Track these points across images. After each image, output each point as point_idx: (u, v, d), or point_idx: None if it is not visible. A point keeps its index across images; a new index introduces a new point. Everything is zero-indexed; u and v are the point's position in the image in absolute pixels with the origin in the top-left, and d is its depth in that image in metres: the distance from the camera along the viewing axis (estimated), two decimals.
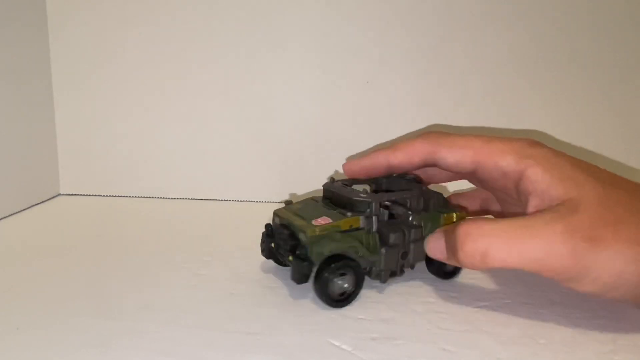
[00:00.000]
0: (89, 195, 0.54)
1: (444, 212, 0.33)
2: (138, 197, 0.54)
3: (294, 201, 0.35)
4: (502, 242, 0.26)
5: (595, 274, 0.25)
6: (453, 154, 0.31)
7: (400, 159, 0.33)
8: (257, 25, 0.50)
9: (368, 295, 0.32)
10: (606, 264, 0.25)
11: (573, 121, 0.51)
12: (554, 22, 0.49)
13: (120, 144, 0.53)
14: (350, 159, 0.38)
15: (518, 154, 0.29)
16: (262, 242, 0.34)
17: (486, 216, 0.38)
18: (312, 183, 0.52)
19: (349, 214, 0.31)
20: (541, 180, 0.28)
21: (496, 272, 0.35)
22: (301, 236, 0.30)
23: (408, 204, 0.33)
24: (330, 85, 0.51)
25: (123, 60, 0.52)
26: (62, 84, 0.52)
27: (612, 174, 0.29)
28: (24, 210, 0.48)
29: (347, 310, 0.30)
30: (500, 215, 0.37)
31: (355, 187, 0.34)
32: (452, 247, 0.28)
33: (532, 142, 0.30)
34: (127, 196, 0.54)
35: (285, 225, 0.32)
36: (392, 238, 0.31)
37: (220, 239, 0.42)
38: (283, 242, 0.31)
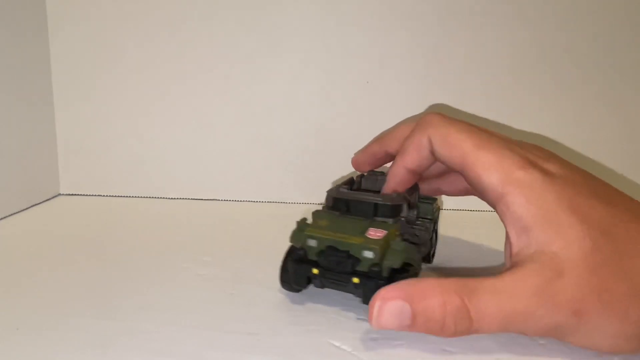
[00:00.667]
0: (89, 195, 0.54)
1: (429, 201, 0.34)
2: (138, 197, 0.54)
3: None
4: (495, 321, 0.24)
5: (572, 340, 0.24)
6: (443, 151, 0.29)
7: (413, 160, 0.31)
8: (257, 25, 0.50)
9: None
10: (585, 335, 0.24)
11: (573, 121, 0.51)
12: (554, 22, 0.49)
13: (121, 144, 0.53)
14: (358, 159, 0.38)
15: (504, 174, 0.26)
16: (291, 271, 0.30)
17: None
18: (312, 183, 0.52)
19: (378, 219, 0.30)
20: (520, 215, 0.25)
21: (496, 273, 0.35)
22: (366, 254, 0.27)
23: (410, 200, 0.32)
24: (330, 85, 0.51)
25: (123, 61, 0.52)
26: (62, 84, 0.52)
27: (608, 202, 0.26)
28: (24, 210, 0.48)
29: (347, 310, 0.30)
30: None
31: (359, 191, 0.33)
32: (432, 323, 0.24)
33: (525, 161, 0.26)
34: (127, 196, 0.54)
35: (334, 247, 0.28)
36: (423, 237, 0.32)
37: (220, 239, 0.42)
38: (338, 265, 0.28)
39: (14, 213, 0.47)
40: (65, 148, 0.54)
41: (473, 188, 0.29)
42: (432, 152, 0.30)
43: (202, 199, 0.54)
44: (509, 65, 0.50)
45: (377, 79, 0.51)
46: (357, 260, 0.28)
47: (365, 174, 0.37)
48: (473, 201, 0.34)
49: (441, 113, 0.32)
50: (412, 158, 0.31)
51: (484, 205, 0.29)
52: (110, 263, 0.36)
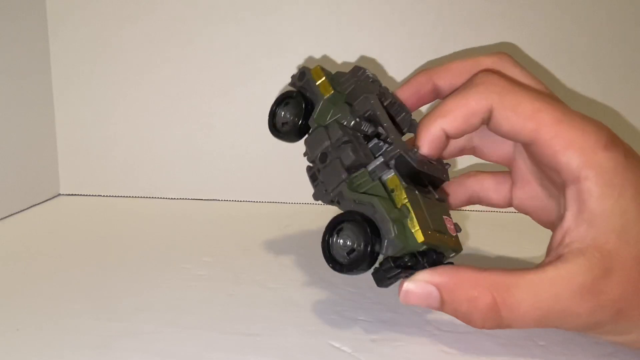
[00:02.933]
0: (89, 195, 0.54)
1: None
2: (138, 197, 0.54)
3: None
4: (529, 318, 0.23)
5: (606, 337, 0.24)
6: (512, 121, 0.25)
7: (457, 125, 0.26)
8: (257, 25, 0.50)
9: (368, 296, 0.32)
10: (621, 333, 0.24)
11: None
12: (554, 21, 0.49)
13: (120, 144, 0.53)
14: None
15: (585, 155, 0.23)
16: (386, 274, 0.25)
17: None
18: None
19: (441, 199, 0.27)
20: (589, 206, 0.23)
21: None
22: (451, 254, 0.27)
23: None
24: None
25: (123, 60, 0.52)
26: (62, 84, 0.52)
27: None
28: (24, 210, 0.48)
29: (347, 311, 0.30)
30: (499, 203, 0.32)
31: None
32: (461, 314, 0.24)
33: (609, 139, 0.24)
34: (127, 196, 0.54)
35: (433, 250, 0.25)
36: None
37: (220, 239, 0.42)
38: (430, 263, 0.25)
39: (14, 213, 0.47)
40: (65, 148, 0.54)
41: (539, 163, 0.26)
42: (488, 121, 0.26)
43: (202, 199, 0.54)
44: None
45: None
46: (443, 255, 0.26)
47: (389, 100, 0.29)
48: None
49: (503, 68, 0.28)
50: (457, 123, 0.26)
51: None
52: (110, 263, 0.36)
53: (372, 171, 0.26)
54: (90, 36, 0.51)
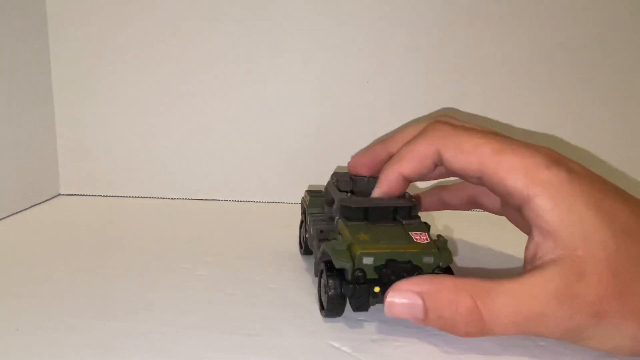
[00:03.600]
0: (89, 195, 0.54)
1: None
2: (138, 197, 0.54)
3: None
4: (510, 323, 0.23)
5: (589, 344, 0.24)
6: (459, 159, 0.28)
7: (412, 167, 0.30)
8: (257, 25, 0.50)
9: None
10: (603, 338, 0.24)
11: (574, 121, 0.51)
12: (554, 21, 0.49)
13: (120, 144, 0.53)
14: (356, 161, 0.36)
15: (528, 175, 0.25)
16: (350, 295, 0.27)
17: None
18: (312, 183, 0.52)
19: (405, 222, 0.29)
20: (547, 219, 0.24)
21: (496, 273, 0.35)
22: (427, 260, 0.27)
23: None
24: (330, 85, 0.51)
25: (123, 60, 0.52)
26: (62, 84, 0.52)
27: (629, 202, 0.26)
28: (24, 210, 0.48)
29: (346, 312, 0.30)
30: (494, 209, 0.35)
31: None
32: (444, 320, 0.24)
33: (550, 160, 0.26)
34: (127, 196, 0.54)
35: (394, 260, 0.27)
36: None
37: (220, 239, 0.42)
38: (403, 277, 0.26)
39: (14, 213, 0.47)
40: (65, 148, 0.54)
41: (496, 194, 0.28)
42: (440, 163, 0.29)
43: (202, 199, 0.54)
44: (509, 65, 0.50)
45: (377, 79, 0.51)
46: (419, 267, 0.27)
47: (351, 177, 0.35)
48: None
49: (447, 119, 0.31)
50: (411, 165, 0.30)
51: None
52: (110, 263, 0.36)
53: (334, 228, 0.31)
54: (90, 36, 0.51)
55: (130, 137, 0.53)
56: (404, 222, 0.29)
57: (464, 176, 0.29)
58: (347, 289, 0.27)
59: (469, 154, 0.27)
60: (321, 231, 0.31)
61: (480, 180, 0.28)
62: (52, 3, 0.51)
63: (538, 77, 0.50)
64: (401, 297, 0.25)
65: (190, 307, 0.30)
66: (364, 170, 0.35)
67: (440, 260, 0.27)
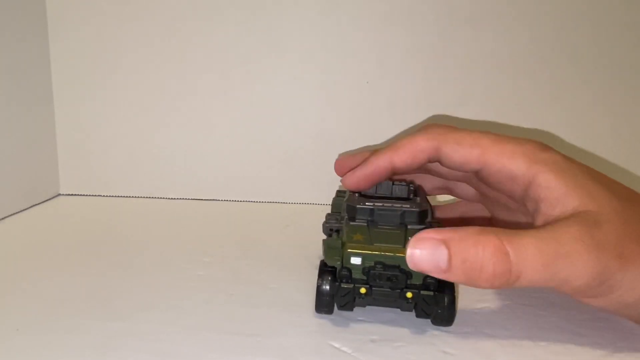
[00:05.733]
0: (89, 195, 0.54)
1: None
2: (138, 197, 0.54)
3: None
4: (537, 263, 0.23)
5: (618, 293, 0.24)
6: (459, 152, 0.29)
7: (404, 158, 0.30)
8: (257, 25, 0.50)
9: None
10: (632, 284, 0.24)
11: (574, 120, 0.51)
12: (554, 21, 0.49)
13: (121, 144, 0.53)
14: (342, 161, 0.35)
15: (529, 157, 0.27)
16: (335, 293, 0.27)
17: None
18: (312, 183, 0.52)
19: (410, 227, 0.29)
20: (554, 187, 0.26)
21: None
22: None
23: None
24: (330, 85, 0.51)
25: (123, 60, 0.52)
26: (62, 84, 0.52)
27: (625, 187, 0.28)
28: (24, 210, 0.48)
29: (346, 312, 0.30)
30: (487, 224, 0.36)
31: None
32: (470, 264, 0.23)
33: (543, 146, 0.28)
34: (127, 196, 0.54)
35: (382, 263, 0.27)
36: None
37: (220, 239, 0.42)
38: (390, 281, 0.26)
39: (14, 213, 0.47)
40: (65, 148, 0.54)
41: (496, 183, 0.29)
42: (435, 159, 0.30)
43: (202, 199, 0.54)
44: (509, 65, 0.50)
45: (377, 79, 0.51)
46: (409, 273, 0.26)
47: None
48: None
49: (442, 124, 0.32)
50: (405, 157, 0.30)
51: None
52: (110, 263, 0.36)
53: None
54: (90, 36, 0.51)
55: (130, 137, 0.53)
56: (409, 226, 0.29)
57: (463, 168, 0.29)
58: (333, 287, 0.27)
59: (471, 147, 0.28)
60: (331, 230, 0.31)
61: (479, 172, 0.29)
62: (52, 3, 0.51)
63: (538, 77, 0.50)
64: (423, 246, 0.24)
65: (190, 307, 0.30)
66: (364, 185, 0.32)
67: None
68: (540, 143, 0.28)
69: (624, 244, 0.24)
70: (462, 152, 0.29)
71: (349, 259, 0.27)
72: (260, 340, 0.26)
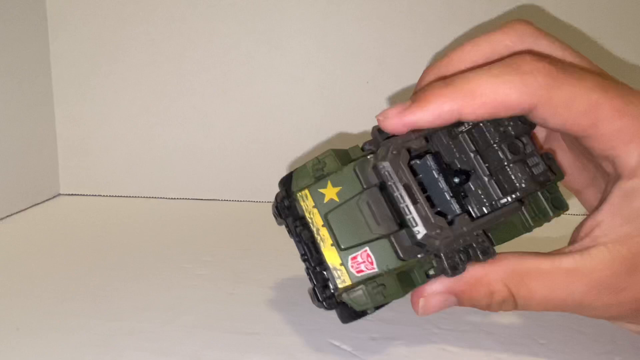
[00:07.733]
0: (89, 195, 0.54)
1: None
2: (138, 197, 0.54)
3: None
4: (542, 305, 0.23)
5: (629, 327, 0.24)
6: (563, 119, 0.22)
7: (481, 113, 0.22)
8: (257, 25, 0.50)
9: None
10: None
11: None
12: (554, 21, 0.49)
13: (121, 144, 0.53)
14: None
15: None
16: None
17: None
18: None
19: None
20: (637, 205, 0.21)
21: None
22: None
23: None
24: (330, 85, 0.51)
25: (123, 60, 0.52)
26: (62, 84, 0.52)
27: None
28: (24, 210, 0.48)
29: None
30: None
31: None
32: (479, 305, 0.23)
33: None
34: (127, 196, 0.54)
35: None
36: None
37: (220, 239, 0.42)
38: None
39: (14, 213, 0.47)
40: (65, 148, 0.54)
41: (586, 149, 0.23)
42: (528, 114, 0.22)
43: (202, 199, 0.54)
44: None
45: (377, 79, 0.51)
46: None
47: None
48: None
49: (529, 45, 0.24)
50: (481, 111, 0.22)
51: None
52: (110, 263, 0.36)
53: None
54: (90, 36, 0.51)
55: (130, 137, 0.53)
56: None
57: (555, 130, 0.23)
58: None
59: (581, 115, 0.21)
60: None
61: (576, 141, 0.23)
62: (52, 3, 0.51)
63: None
64: (433, 301, 0.23)
65: (190, 306, 0.30)
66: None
67: None
68: None
69: None
70: (566, 118, 0.21)
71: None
72: (260, 339, 0.26)
